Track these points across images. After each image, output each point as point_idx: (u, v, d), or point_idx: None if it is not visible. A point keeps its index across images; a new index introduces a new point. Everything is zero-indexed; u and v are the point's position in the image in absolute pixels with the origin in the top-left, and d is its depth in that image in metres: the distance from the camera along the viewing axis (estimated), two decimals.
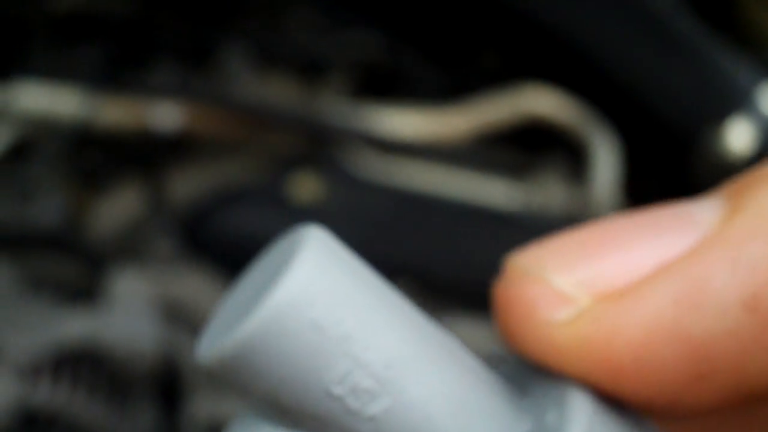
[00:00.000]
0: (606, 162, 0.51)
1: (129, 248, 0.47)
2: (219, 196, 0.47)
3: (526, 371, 0.17)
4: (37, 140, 0.48)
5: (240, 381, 0.15)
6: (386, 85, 0.53)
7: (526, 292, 0.16)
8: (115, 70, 0.50)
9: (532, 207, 0.50)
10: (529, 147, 0.53)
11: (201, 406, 0.46)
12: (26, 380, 0.43)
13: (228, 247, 0.47)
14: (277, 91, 0.51)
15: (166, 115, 0.47)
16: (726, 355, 0.15)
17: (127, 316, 0.45)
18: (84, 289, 0.46)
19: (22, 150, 0.48)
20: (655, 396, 0.16)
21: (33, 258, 0.46)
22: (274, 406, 0.15)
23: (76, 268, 0.46)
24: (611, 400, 0.16)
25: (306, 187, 0.46)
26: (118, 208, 0.48)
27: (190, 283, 0.47)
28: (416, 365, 0.16)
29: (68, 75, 0.48)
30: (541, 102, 0.52)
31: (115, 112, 0.47)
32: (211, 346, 0.15)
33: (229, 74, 0.51)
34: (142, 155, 0.48)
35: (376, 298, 0.16)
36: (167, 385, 0.46)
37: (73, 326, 0.44)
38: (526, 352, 0.16)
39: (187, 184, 0.48)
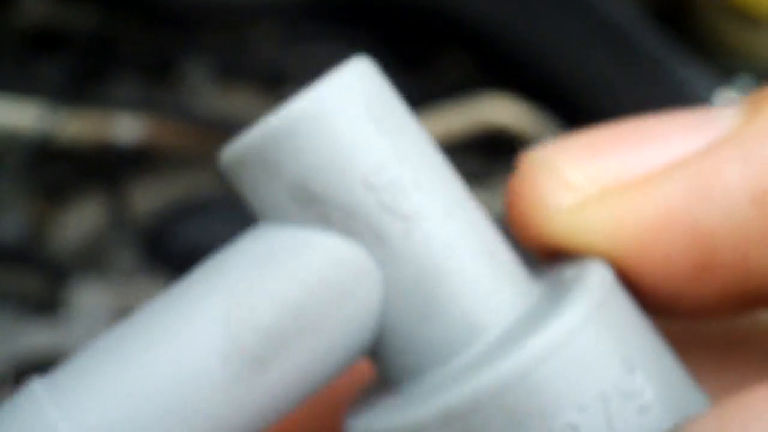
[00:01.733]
0: None
1: (91, 261, 0.48)
2: (181, 209, 0.48)
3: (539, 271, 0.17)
4: None
5: (279, 160, 0.15)
6: None
7: (537, 182, 0.16)
8: (77, 83, 0.50)
9: (491, 215, 0.50)
10: (489, 155, 0.53)
11: None
12: None
13: (190, 259, 0.47)
14: (240, 105, 0.52)
15: (127, 128, 0.47)
16: (731, 247, 0.16)
17: (89, 327, 0.46)
18: (46, 301, 0.46)
19: None
20: (660, 285, 0.16)
21: None
22: (303, 195, 0.15)
23: (39, 281, 0.47)
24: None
25: None
26: (80, 220, 0.48)
27: (152, 295, 0.47)
28: (448, 193, 0.16)
29: (30, 88, 0.49)
30: (502, 111, 0.52)
31: (76, 126, 0.48)
32: (258, 128, 0.15)
33: (191, 87, 0.51)
34: (104, 168, 0.49)
35: (419, 129, 0.16)
36: None
37: (37, 338, 0.45)
38: (536, 239, 0.17)
39: (149, 197, 0.49)
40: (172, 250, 0.47)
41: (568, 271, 0.16)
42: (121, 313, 0.47)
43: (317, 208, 0.15)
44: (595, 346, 0.15)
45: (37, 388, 0.15)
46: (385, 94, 0.16)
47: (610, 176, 0.16)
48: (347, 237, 0.15)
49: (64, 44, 0.51)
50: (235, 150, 0.15)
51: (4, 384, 0.44)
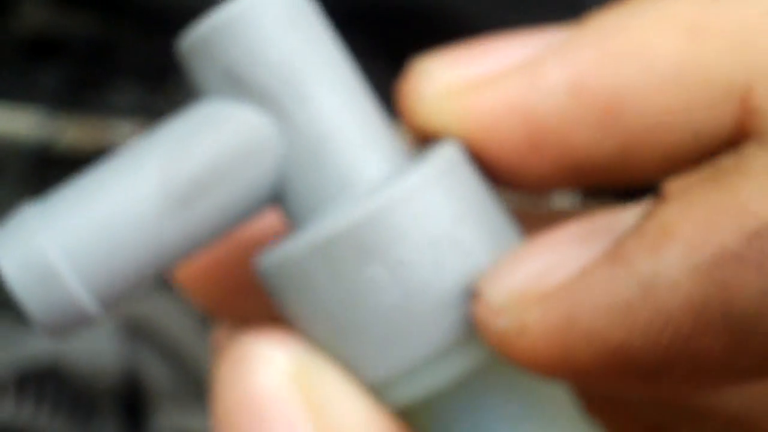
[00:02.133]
0: None
1: None
2: None
3: None
4: None
5: (214, 48, 0.19)
6: None
7: (414, 80, 0.21)
8: (76, 90, 0.50)
9: None
10: None
11: (165, 423, 0.46)
12: None
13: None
14: None
15: (126, 134, 0.48)
16: (555, 129, 0.19)
17: (90, 333, 0.46)
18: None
19: None
20: (501, 160, 0.20)
21: None
22: (230, 77, 0.19)
23: None
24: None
25: None
26: None
27: (153, 301, 0.47)
28: (342, 82, 0.20)
29: (28, 96, 0.49)
30: None
31: (75, 132, 0.48)
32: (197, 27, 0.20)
33: (189, 94, 0.51)
34: None
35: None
36: (131, 401, 0.46)
37: (37, 345, 0.45)
38: (413, 124, 0.21)
39: None
40: None
41: (429, 148, 0.20)
42: (123, 319, 0.47)
43: (239, 87, 0.19)
44: (429, 202, 0.19)
45: (29, 210, 0.19)
46: (304, 8, 0.20)
47: (466, 76, 0.20)
48: (259, 109, 0.19)
49: (62, 51, 0.52)
50: (186, 40, 0.20)
51: (6, 390, 0.44)
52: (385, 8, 0.53)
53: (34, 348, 0.45)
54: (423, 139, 0.21)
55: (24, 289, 0.19)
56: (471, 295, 0.18)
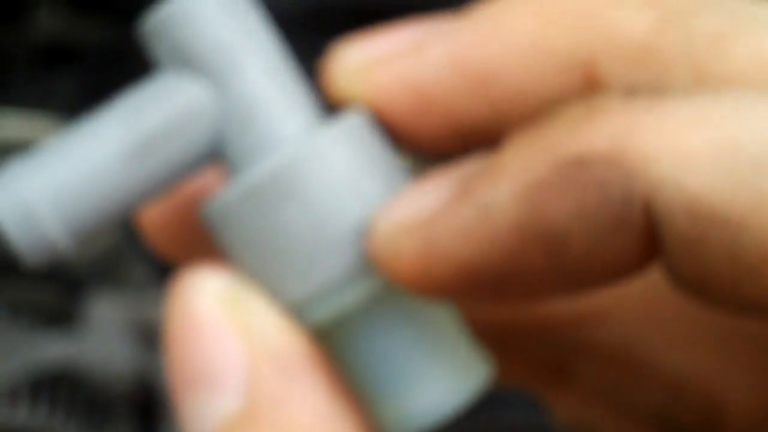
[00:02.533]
0: None
1: (106, 273, 0.48)
2: None
3: None
4: None
5: (165, 29, 0.23)
6: None
7: (334, 58, 0.24)
8: (91, 97, 0.50)
9: None
10: None
11: (178, 428, 0.46)
12: (5, 403, 0.44)
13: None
14: None
15: None
16: (439, 97, 0.23)
17: (104, 339, 0.46)
18: (62, 313, 0.46)
19: None
20: (398, 123, 0.23)
21: (11, 283, 0.47)
22: (178, 54, 0.23)
23: (53, 293, 0.47)
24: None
25: None
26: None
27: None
28: (268, 57, 0.23)
29: (43, 103, 0.49)
30: None
31: None
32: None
33: None
34: None
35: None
36: (144, 406, 0.47)
37: (51, 350, 0.45)
38: (331, 94, 0.24)
39: None
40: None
41: (339, 115, 0.24)
42: (136, 325, 0.47)
43: (185, 61, 0.23)
44: (339, 155, 0.22)
45: (15, 162, 0.23)
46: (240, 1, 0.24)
47: (369, 55, 0.23)
48: (201, 80, 0.23)
49: (77, 58, 0.52)
50: (145, 23, 0.23)
51: (20, 395, 0.44)
52: (345, 8, 0.53)
53: (48, 353, 0.45)
54: (339, 108, 0.25)
55: (12, 228, 0.22)
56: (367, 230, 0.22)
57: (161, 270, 0.48)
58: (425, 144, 0.24)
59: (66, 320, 0.46)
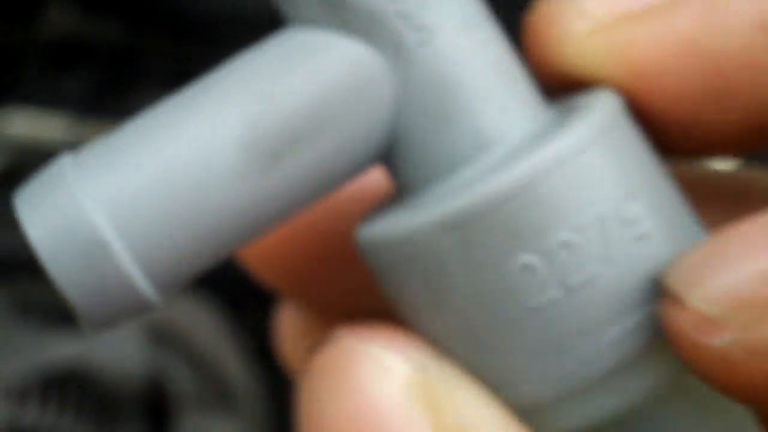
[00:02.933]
0: None
1: None
2: None
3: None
4: (25, 167, 0.49)
5: None
6: None
7: (554, 9, 0.17)
8: (103, 96, 0.50)
9: None
10: None
11: (189, 428, 0.46)
12: (14, 402, 0.44)
13: (217, 271, 0.47)
14: None
15: None
16: (742, 73, 0.16)
17: (114, 338, 0.46)
18: (73, 312, 0.46)
19: (11, 176, 0.48)
20: (671, 114, 0.16)
21: (21, 282, 0.47)
22: (330, 1, 0.15)
23: None
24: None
25: None
26: None
27: (179, 307, 0.47)
28: (468, 11, 0.16)
29: (55, 101, 0.49)
30: None
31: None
32: None
33: None
34: None
35: None
36: (155, 406, 0.46)
37: (62, 348, 0.45)
38: (550, 65, 0.17)
39: None
40: None
41: (578, 100, 0.16)
42: (147, 323, 0.47)
43: (342, 14, 0.15)
44: (596, 169, 0.15)
45: (65, 160, 0.15)
46: None
47: (624, 5, 0.16)
48: (367, 43, 0.15)
49: (89, 57, 0.52)
50: None
51: (31, 395, 0.44)
52: None
53: (58, 352, 0.45)
54: (559, 88, 0.17)
55: (59, 265, 0.15)
56: (658, 294, 0.15)
57: None
58: (706, 144, 0.17)
59: (77, 319, 0.46)
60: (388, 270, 0.16)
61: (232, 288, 0.46)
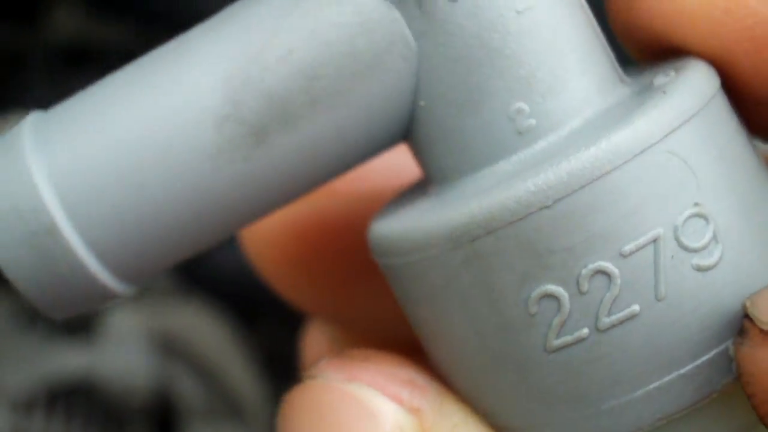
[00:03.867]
0: None
1: None
2: None
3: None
4: None
5: None
6: None
7: None
8: None
9: None
10: None
11: None
12: (21, 413, 0.43)
13: (224, 281, 0.47)
14: None
15: None
16: None
17: (122, 349, 0.45)
18: (79, 322, 0.46)
19: None
20: None
21: None
22: None
23: None
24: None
25: None
26: None
27: (186, 317, 0.46)
28: None
29: None
30: None
31: None
32: None
33: None
34: None
35: None
36: (162, 417, 0.46)
37: (69, 359, 0.44)
38: (653, 16, 0.14)
39: None
40: (208, 273, 0.47)
41: (663, 71, 0.13)
42: (155, 334, 0.46)
43: None
44: (662, 174, 0.12)
45: (26, 122, 0.13)
46: None
47: None
48: None
49: (95, 60, 0.51)
50: None
51: (37, 406, 0.43)
52: None
53: (65, 363, 0.44)
54: (643, 56, 0.14)
55: (5, 250, 0.12)
56: (725, 334, 0.13)
57: (182, 278, 0.47)
58: None
59: (84, 329, 0.45)
60: (395, 273, 0.13)
61: (239, 297, 0.46)
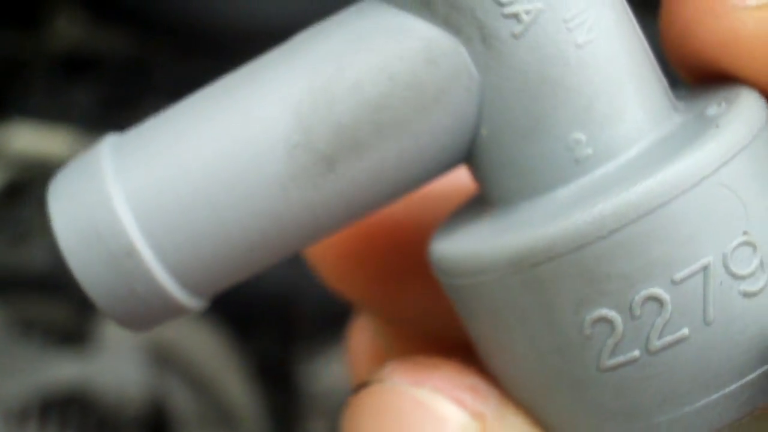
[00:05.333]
0: None
1: None
2: None
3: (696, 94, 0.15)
4: (29, 182, 0.48)
5: None
6: None
7: None
8: (110, 109, 0.50)
9: None
10: None
11: None
12: (14, 424, 0.43)
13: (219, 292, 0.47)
14: None
15: None
16: None
17: (117, 360, 0.45)
18: (74, 332, 0.46)
19: (14, 192, 0.48)
20: None
21: (23, 301, 0.46)
22: None
23: (66, 311, 0.46)
24: None
25: None
26: None
27: (180, 328, 0.46)
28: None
29: (61, 115, 0.48)
30: None
31: None
32: None
33: None
34: None
35: None
36: (156, 429, 0.46)
37: (63, 370, 0.44)
38: (710, 41, 0.14)
39: None
40: None
41: (714, 100, 0.14)
42: (150, 345, 0.46)
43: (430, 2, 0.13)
44: (713, 205, 0.13)
45: (104, 146, 0.14)
46: None
47: None
48: (449, 31, 0.13)
49: (96, 70, 0.51)
50: None
51: (30, 417, 0.43)
52: None
53: (59, 374, 0.44)
54: (694, 79, 0.15)
55: (85, 270, 0.14)
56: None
57: None
58: None
59: (79, 340, 0.45)
60: (456, 291, 0.14)
61: (233, 309, 0.46)
